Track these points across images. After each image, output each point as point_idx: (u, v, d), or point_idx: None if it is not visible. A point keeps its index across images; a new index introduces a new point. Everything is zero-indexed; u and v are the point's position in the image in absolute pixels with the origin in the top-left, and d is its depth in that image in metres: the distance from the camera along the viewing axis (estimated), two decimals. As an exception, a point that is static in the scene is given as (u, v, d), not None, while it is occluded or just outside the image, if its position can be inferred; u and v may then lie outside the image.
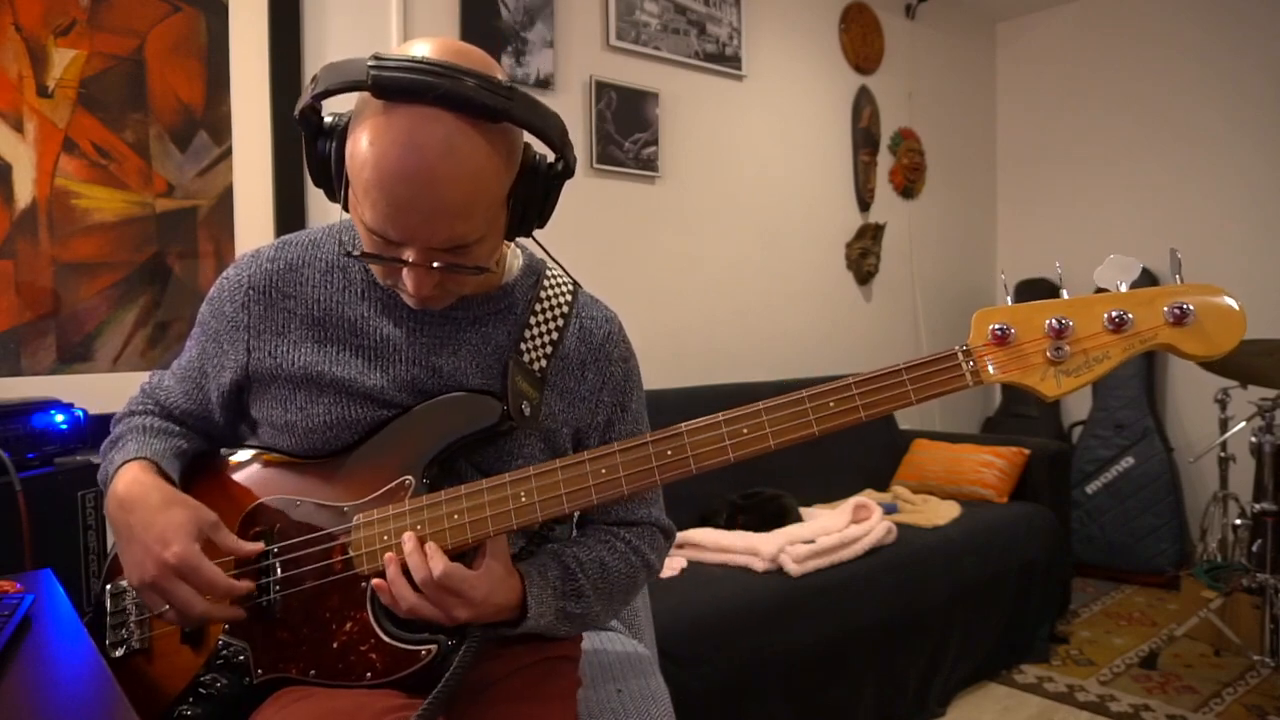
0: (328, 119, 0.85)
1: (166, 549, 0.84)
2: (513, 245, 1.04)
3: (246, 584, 0.89)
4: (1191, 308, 0.79)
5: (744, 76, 3.09)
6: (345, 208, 0.87)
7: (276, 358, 0.94)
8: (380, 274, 0.89)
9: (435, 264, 0.82)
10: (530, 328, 0.98)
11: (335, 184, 0.85)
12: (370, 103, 0.79)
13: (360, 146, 0.78)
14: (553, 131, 0.83)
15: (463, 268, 0.84)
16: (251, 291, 0.96)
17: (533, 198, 0.87)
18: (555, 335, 0.99)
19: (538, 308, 1.00)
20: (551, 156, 0.87)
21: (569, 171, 0.87)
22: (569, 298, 1.02)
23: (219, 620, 0.89)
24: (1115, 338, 0.81)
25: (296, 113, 0.84)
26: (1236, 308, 0.79)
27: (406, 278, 0.84)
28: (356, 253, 0.84)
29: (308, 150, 0.86)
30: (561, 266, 1.05)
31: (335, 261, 0.97)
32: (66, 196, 1.78)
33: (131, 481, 0.91)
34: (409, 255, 0.81)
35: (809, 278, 3.39)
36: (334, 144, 0.84)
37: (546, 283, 1.02)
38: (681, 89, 2.90)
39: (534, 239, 0.98)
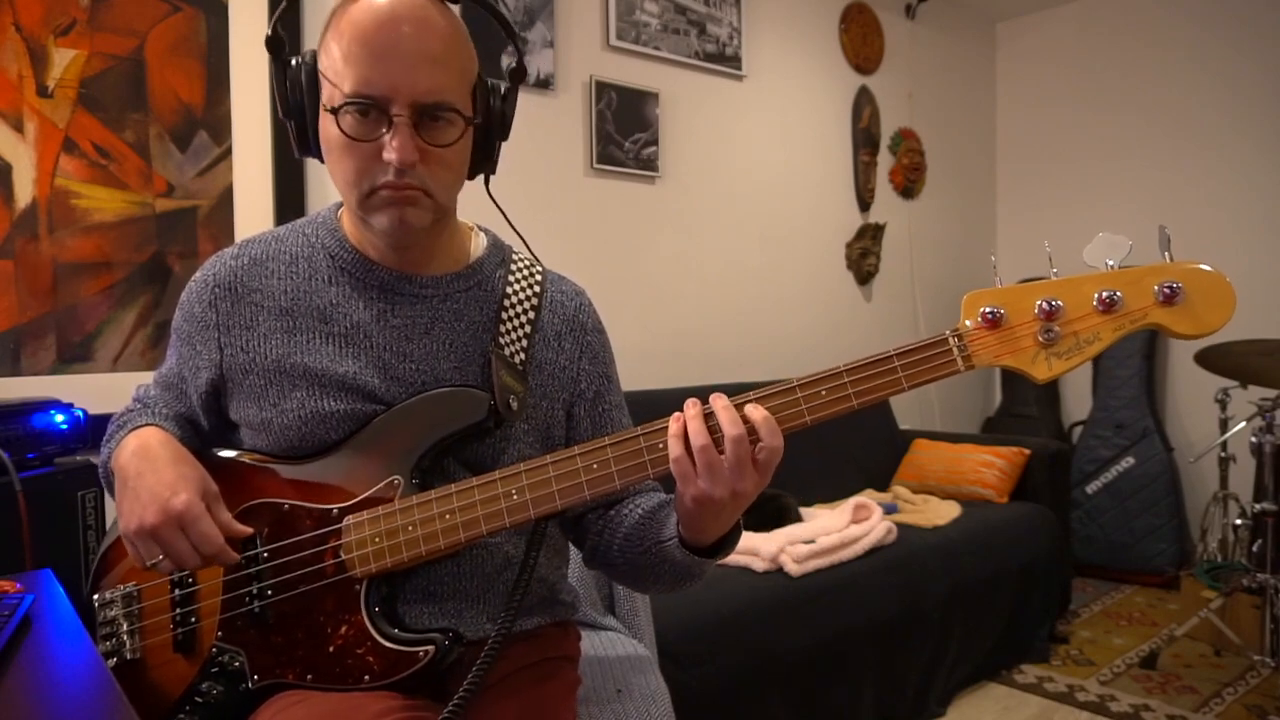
0: (289, 59, 0.90)
1: (175, 496, 0.84)
2: (475, 226, 1.05)
3: (235, 554, 0.88)
4: (1181, 286, 0.78)
5: (744, 76, 3.09)
6: (314, 145, 0.91)
7: (249, 352, 0.94)
8: (358, 163, 0.86)
9: (421, 129, 0.85)
10: (505, 319, 0.98)
11: (308, 103, 0.89)
12: (338, 7, 0.88)
13: (338, 28, 0.86)
14: (504, 20, 0.94)
15: (439, 144, 0.87)
16: (218, 289, 0.96)
17: (496, 97, 0.94)
18: (531, 319, 0.99)
19: (509, 291, 0.99)
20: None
21: (523, 72, 0.95)
22: (539, 278, 1.03)
23: (209, 566, 0.88)
24: (1105, 318, 0.80)
25: (269, 33, 0.89)
26: (1227, 285, 0.78)
27: (390, 146, 0.84)
28: (335, 106, 0.84)
29: (278, 77, 0.90)
30: (525, 242, 1.06)
31: (300, 252, 0.97)
32: (66, 196, 1.78)
33: (148, 435, 0.92)
34: (396, 111, 0.84)
35: (809, 278, 3.39)
36: (302, 70, 0.89)
37: (514, 266, 1.02)
38: (681, 89, 2.90)
39: (503, 215, 1.02)
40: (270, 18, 0.91)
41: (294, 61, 0.90)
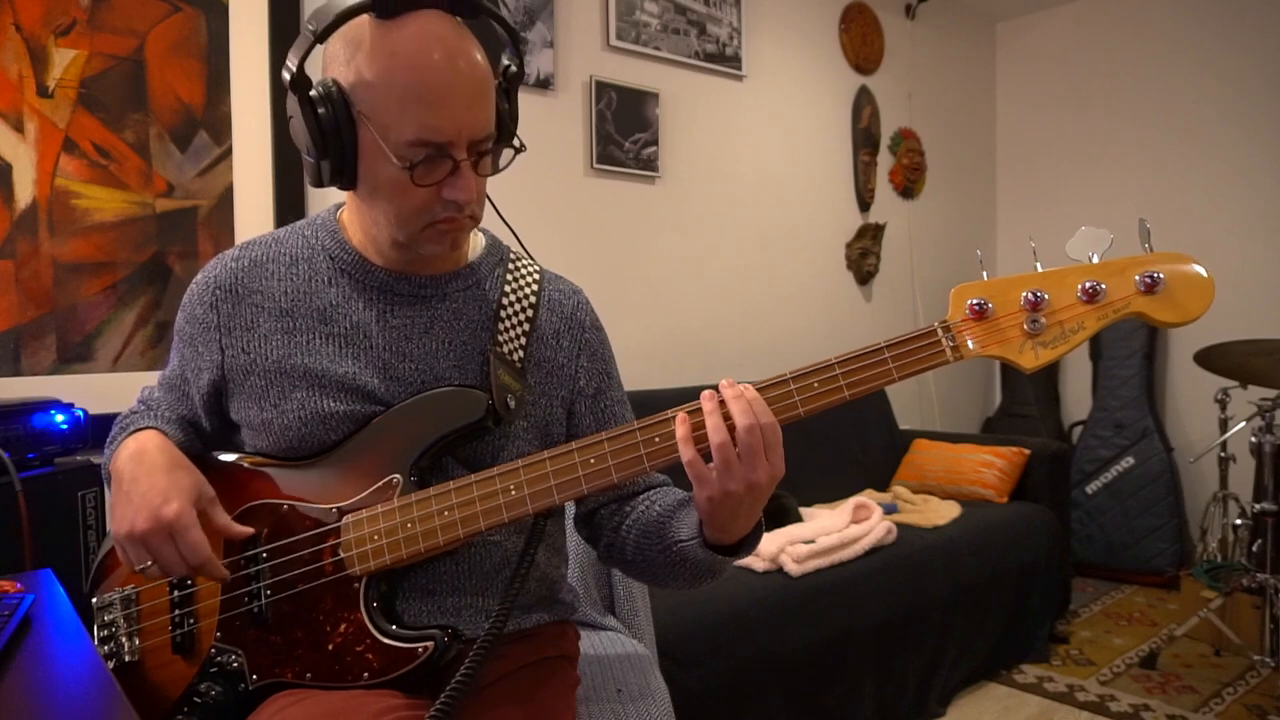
0: (313, 92, 0.85)
1: (167, 504, 0.84)
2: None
3: (224, 571, 0.88)
4: (1162, 276, 0.80)
5: (744, 76, 3.09)
6: (349, 178, 0.87)
7: (249, 353, 0.94)
8: (417, 203, 0.86)
9: (477, 166, 0.86)
10: (503, 318, 0.98)
11: (346, 140, 0.85)
12: (363, 32, 0.83)
13: (381, 66, 0.82)
14: (512, 30, 0.92)
15: (486, 174, 0.89)
16: (219, 291, 0.96)
17: (503, 101, 0.92)
18: (529, 317, 0.99)
19: (507, 290, 1.00)
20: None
21: (522, 73, 0.94)
22: (536, 278, 1.03)
23: (198, 575, 0.88)
24: (1089, 308, 0.82)
25: (293, 69, 0.84)
26: (1205, 275, 0.80)
27: (455, 188, 0.85)
28: (408, 165, 0.83)
29: (306, 114, 0.84)
30: (522, 245, 1.06)
31: (300, 254, 0.97)
32: (66, 196, 1.78)
33: (146, 439, 0.92)
34: (459, 155, 0.84)
35: (809, 278, 3.39)
36: (332, 105, 0.84)
37: (512, 266, 1.03)
38: (681, 89, 2.90)
39: (500, 217, 1.02)
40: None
41: (317, 92, 0.84)
